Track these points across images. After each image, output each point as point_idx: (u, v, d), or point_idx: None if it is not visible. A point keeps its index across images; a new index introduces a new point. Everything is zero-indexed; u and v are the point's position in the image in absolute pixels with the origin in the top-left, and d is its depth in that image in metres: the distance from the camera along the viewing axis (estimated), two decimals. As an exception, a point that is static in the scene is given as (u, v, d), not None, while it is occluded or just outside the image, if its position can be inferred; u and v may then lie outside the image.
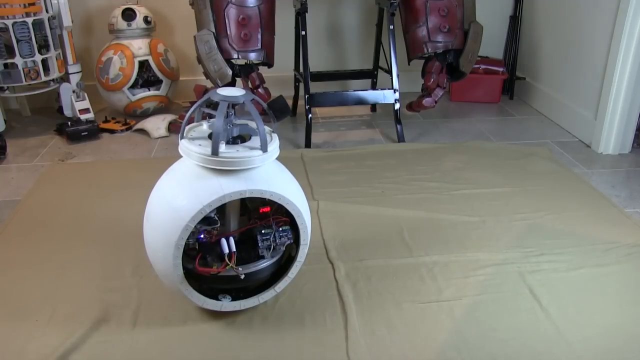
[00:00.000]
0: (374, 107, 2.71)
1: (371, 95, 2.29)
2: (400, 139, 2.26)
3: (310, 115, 2.22)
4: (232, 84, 2.13)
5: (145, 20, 2.43)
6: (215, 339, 1.17)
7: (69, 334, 1.18)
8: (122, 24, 2.40)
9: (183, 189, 1.08)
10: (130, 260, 1.44)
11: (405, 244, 1.52)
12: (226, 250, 1.11)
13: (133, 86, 2.45)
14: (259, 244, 1.15)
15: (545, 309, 1.26)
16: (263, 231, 1.16)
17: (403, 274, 1.39)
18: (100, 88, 2.49)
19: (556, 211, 1.69)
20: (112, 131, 2.38)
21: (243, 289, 1.24)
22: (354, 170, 1.97)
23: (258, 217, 1.18)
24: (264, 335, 1.18)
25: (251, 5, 2.08)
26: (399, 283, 1.35)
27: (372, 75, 2.63)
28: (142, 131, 2.38)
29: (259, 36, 2.10)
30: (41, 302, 1.28)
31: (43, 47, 2.27)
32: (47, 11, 2.25)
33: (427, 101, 2.26)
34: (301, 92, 2.38)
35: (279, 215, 1.17)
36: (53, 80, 2.36)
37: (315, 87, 2.29)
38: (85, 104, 2.40)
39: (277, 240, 1.16)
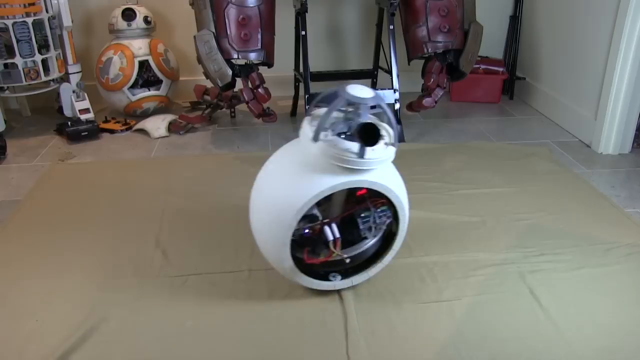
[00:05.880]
0: (374, 107, 2.71)
1: (371, 95, 2.28)
2: (400, 139, 2.26)
3: (310, 115, 2.21)
4: (232, 84, 2.13)
5: (145, 20, 2.43)
6: (216, 339, 1.17)
7: (69, 334, 1.18)
8: (122, 24, 2.40)
9: (294, 181, 1.12)
10: (131, 259, 1.44)
11: (405, 244, 1.51)
12: (330, 238, 1.14)
13: (133, 86, 2.45)
14: (360, 227, 1.19)
15: (545, 309, 1.26)
16: (362, 214, 1.19)
17: (403, 274, 1.39)
18: (100, 88, 2.49)
19: (556, 211, 1.69)
20: (112, 131, 2.38)
21: (351, 267, 1.28)
22: (354, 170, 1.97)
23: (355, 201, 1.21)
24: (264, 335, 1.18)
25: (251, 5, 2.08)
26: (399, 283, 1.35)
27: (372, 75, 2.63)
28: (142, 131, 2.38)
29: (259, 36, 2.10)
30: (41, 302, 1.28)
31: (43, 47, 2.27)
32: (47, 11, 2.25)
33: (427, 101, 2.26)
34: (301, 92, 2.38)
35: (375, 196, 1.20)
36: (53, 80, 2.36)
37: (315, 87, 2.29)
38: (85, 104, 2.40)
39: (377, 220, 1.20)
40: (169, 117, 2.41)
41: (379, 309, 1.26)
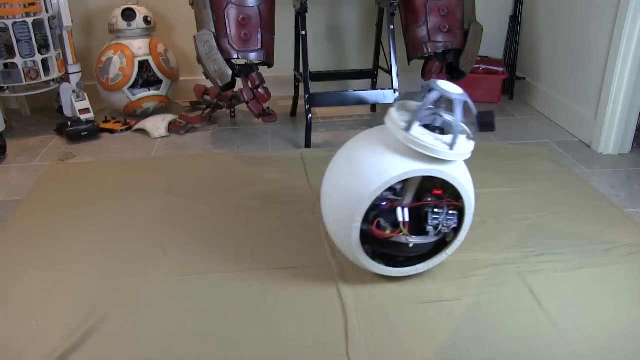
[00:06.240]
0: (374, 107, 2.71)
1: (371, 95, 2.29)
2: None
3: (310, 115, 2.22)
4: (232, 84, 2.13)
5: (145, 20, 2.43)
6: (216, 338, 1.18)
7: (69, 334, 1.18)
8: (122, 24, 2.40)
9: (389, 156, 1.20)
10: (131, 259, 1.45)
11: (405, 244, 1.52)
12: (401, 219, 1.22)
13: (133, 86, 2.45)
14: (429, 221, 1.25)
15: (545, 309, 1.26)
16: (435, 210, 1.25)
17: (403, 274, 1.39)
18: (100, 88, 2.49)
19: (556, 211, 1.69)
20: (112, 131, 2.38)
21: (393, 258, 1.33)
22: (354, 170, 1.97)
23: (433, 197, 1.26)
24: (264, 335, 1.18)
25: (251, 5, 2.08)
26: (399, 283, 1.35)
27: (372, 75, 2.63)
28: (142, 131, 2.38)
29: (259, 36, 2.10)
30: (41, 302, 1.28)
31: (43, 47, 2.27)
32: (47, 11, 2.25)
33: (427, 101, 2.26)
34: (301, 92, 2.38)
35: (450, 199, 1.26)
36: (53, 80, 2.36)
37: (315, 87, 2.29)
38: (85, 104, 2.40)
39: (445, 222, 1.25)
40: (169, 117, 2.41)
41: (379, 309, 1.26)
